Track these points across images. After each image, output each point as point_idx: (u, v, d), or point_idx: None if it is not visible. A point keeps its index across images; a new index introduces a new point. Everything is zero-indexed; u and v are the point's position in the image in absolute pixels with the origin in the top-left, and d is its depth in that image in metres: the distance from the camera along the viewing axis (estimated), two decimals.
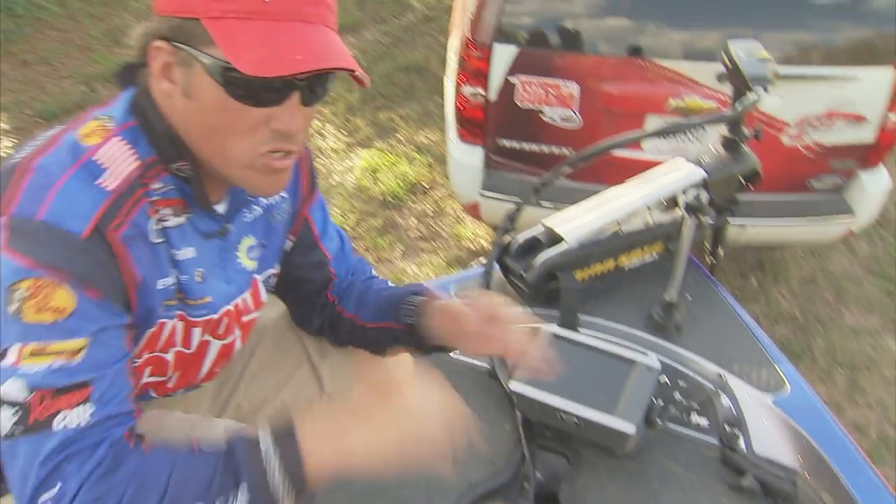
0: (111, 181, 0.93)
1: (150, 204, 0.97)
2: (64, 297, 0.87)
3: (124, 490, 0.84)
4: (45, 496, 0.83)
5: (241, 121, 0.92)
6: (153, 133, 0.97)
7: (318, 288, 1.33)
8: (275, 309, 1.44)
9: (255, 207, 1.17)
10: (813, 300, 3.29)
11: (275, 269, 1.25)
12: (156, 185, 0.98)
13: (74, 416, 0.86)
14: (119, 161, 0.94)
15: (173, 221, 1.01)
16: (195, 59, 0.90)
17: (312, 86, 0.94)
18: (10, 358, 0.86)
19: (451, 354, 1.66)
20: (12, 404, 0.85)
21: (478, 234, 3.54)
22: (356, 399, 0.94)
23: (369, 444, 0.90)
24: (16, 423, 0.85)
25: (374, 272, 1.42)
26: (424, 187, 3.83)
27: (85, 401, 0.87)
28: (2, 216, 0.88)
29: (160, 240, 0.99)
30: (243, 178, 0.98)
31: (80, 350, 0.88)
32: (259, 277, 1.21)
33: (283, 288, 1.32)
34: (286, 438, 0.89)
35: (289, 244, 1.29)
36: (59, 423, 0.85)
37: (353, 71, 0.92)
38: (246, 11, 0.87)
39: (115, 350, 0.92)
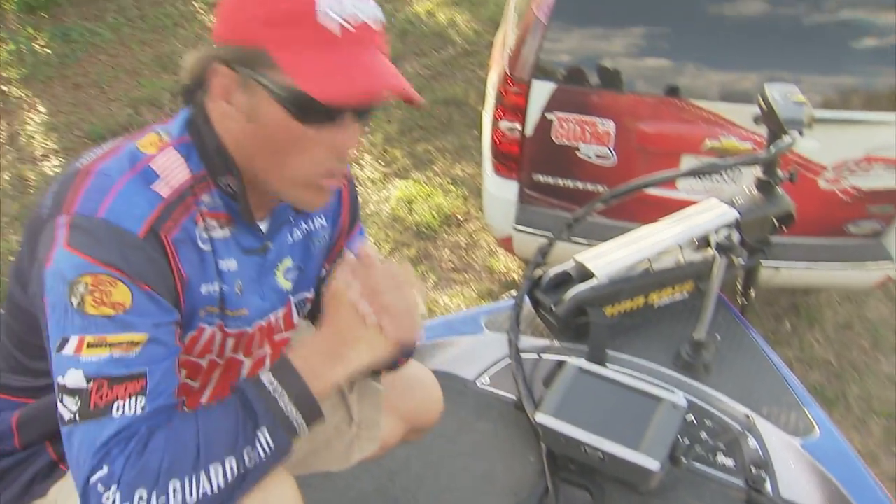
0: (164, 188, 0.98)
1: (198, 213, 1.02)
2: (122, 293, 0.92)
3: (161, 459, 0.89)
4: (95, 478, 0.88)
5: (302, 141, 0.98)
6: (205, 149, 1.02)
7: None
8: (308, 335, 1.47)
9: (297, 231, 1.20)
10: (849, 346, 3.24)
11: (310, 294, 1.28)
12: (205, 198, 1.03)
13: (129, 406, 0.91)
14: (172, 170, 1.00)
15: (219, 233, 1.06)
16: (258, 84, 0.95)
17: (366, 108, 1.00)
18: (71, 347, 0.91)
19: (479, 384, 1.67)
20: (73, 392, 0.90)
21: (510, 268, 3.55)
22: (339, 324, 1.01)
23: (361, 357, 0.99)
24: (76, 411, 0.90)
25: None
26: (459, 219, 3.86)
27: (139, 392, 0.92)
28: (64, 215, 0.94)
29: (207, 247, 1.04)
30: (294, 195, 1.04)
31: (138, 343, 0.93)
32: (293, 299, 1.24)
33: (315, 315, 1.35)
34: (284, 370, 0.97)
35: (324, 272, 1.32)
36: (116, 412, 0.90)
37: (411, 97, 0.97)
38: (308, 39, 0.92)
39: (167, 346, 0.97)
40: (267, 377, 0.97)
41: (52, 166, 4.19)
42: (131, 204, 0.95)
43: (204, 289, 1.05)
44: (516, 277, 3.49)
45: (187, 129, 1.04)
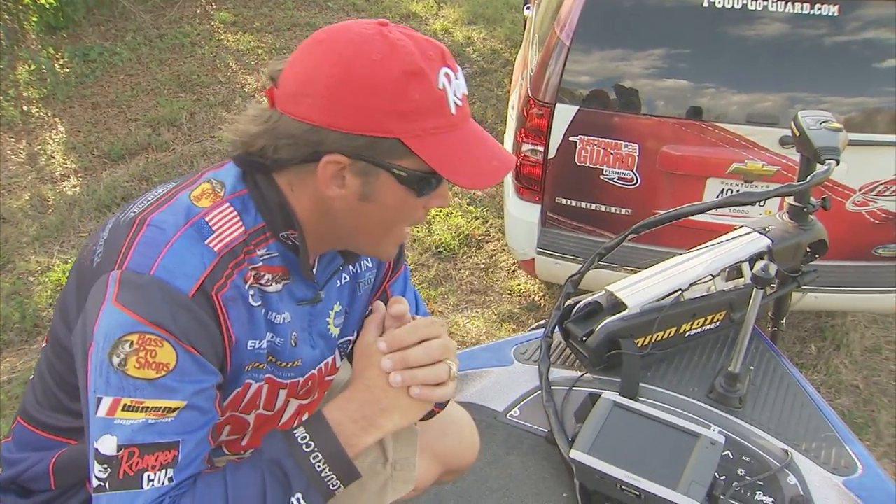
0: (218, 243, 0.96)
1: (249, 269, 1.00)
2: (167, 354, 0.90)
3: None
4: None
5: (414, 210, 1.01)
6: (264, 203, 1.01)
7: None
8: (345, 372, 1.46)
9: (344, 275, 1.19)
10: (877, 370, 3.18)
11: (353, 337, 1.27)
12: (260, 252, 1.01)
13: (159, 479, 0.89)
14: (226, 225, 0.98)
15: (273, 287, 1.04)
16: (384, 171, 0.95)
17: None
18: (105, 408, 0.89)
19: (508, 417, 1.65)
20: (105, 459, 0.88)
21: (531, 290, 3.52)
22: (373, 389, 1.00)
23: (395, 423, 1.00)
24: (105, 479, 0.88)
25: None
26: (478, 240, 3.84)
27: (169, 463, 0.90)
28: (116, 270, 0.92)
29: (258, 303, 1.02)
30: (383, 251, 1.08)
31: (174, 410, 0.91)
32: (339, 342, 1.22)
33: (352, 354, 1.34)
34: (320, 428, 0.96)
35: (369, 311, 1.31)
36: (147, 483, 0.88)
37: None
38: (438, 127, 0.94)
39: (205, 413, 0.95)
40: (300, 432, 0.95)
41: (71, 186, 4.21)
42: (183, 261, 0.93)
43: (251, 345, 1.03)
44: (537, 299, 3.46)
45: (243, 179, 1.02)
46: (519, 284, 3.55)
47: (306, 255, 1.04)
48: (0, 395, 2.83)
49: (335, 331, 1.19)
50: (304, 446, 0.93)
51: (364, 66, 0.90)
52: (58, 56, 5.43)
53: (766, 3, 2.58)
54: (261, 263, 1.01)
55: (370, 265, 1.25)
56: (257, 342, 1.04)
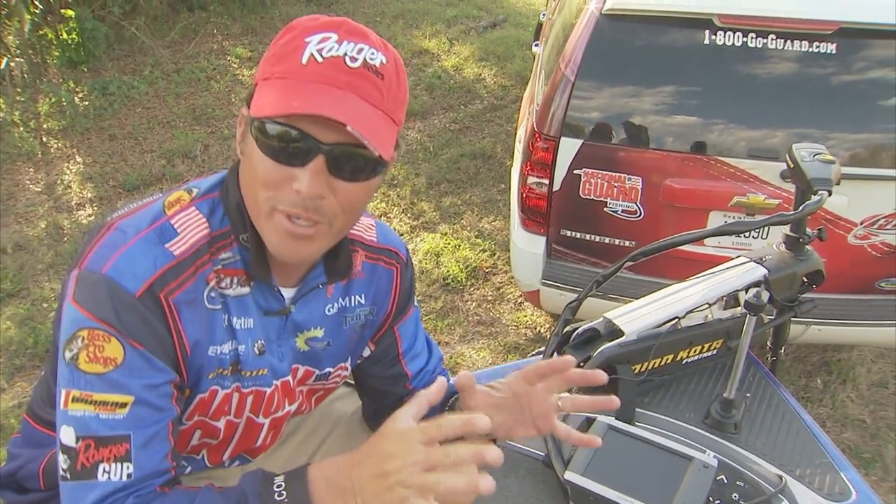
0: (179, 246, 1.00)
1: (212, 271, 1.03)
2: (114, 349, 0.94)
3: None
4: None
5: (269, 175, 0.95)
6: (229, 205, 1.05)
7: (393, 400, 1.36)
8: (351, 403, 1.48)
9: (335, 305, 1.20)
10: (884, 405, 3.18)
11: (345, 363, 1.28)
12: (225, 255, 1.04)
13: (115, 472, 0.92)
14: (191, 228, 1.02)
15: (236, 291, 1.06)
16: (246, 119, 1.00)
17: (339, 154, 0.94)
18: (62, 399, 0.94)
19: (506, 441, 1.66)
20: (66, 450, 0.93)
21: (537, 322, 3.55)
22: (369, 468, 0.88)
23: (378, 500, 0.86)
24: (66, 469, 0.93)
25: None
26: (486, 272, 3.88)
27: (123, 457, 0.93)
28: (76, 269, 0.98)
29: (217, 307, 1.04)
30: (267, 235, 1.00)
31: (124, 405, 0.94)
32: (330, 369, 1.25)
33: (361, 390, 1.38)
34: (299, 483, 0.90)
35: (368, 351, 1.33)
36: (102, 475, 0.92)
37: (346, 125, 0.90)
38: (284, 73, 0.95)
39: (158, 409, 0.97)
40: (279, 479, 0.92)
41: (86, 215, 4.29)
42: (134, 263, 0.96)
43: (212, 350, 1.05)
44: (543, 332, 3.49)
45: (219, 184, 1.07)
46: (525, 316, 3.58)
47: (259, 256, 1.04)
48: (11, 419, 2.87)
49: (303, 347, 1.19)
50: (276, 493, 0.90)
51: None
52: (78, 89, 5.56)
53: (765, 40, 2.64)
54: (220, 266, 1.04)
55: (362, 301, 1.24)
56: (219, 347, 1.05)
